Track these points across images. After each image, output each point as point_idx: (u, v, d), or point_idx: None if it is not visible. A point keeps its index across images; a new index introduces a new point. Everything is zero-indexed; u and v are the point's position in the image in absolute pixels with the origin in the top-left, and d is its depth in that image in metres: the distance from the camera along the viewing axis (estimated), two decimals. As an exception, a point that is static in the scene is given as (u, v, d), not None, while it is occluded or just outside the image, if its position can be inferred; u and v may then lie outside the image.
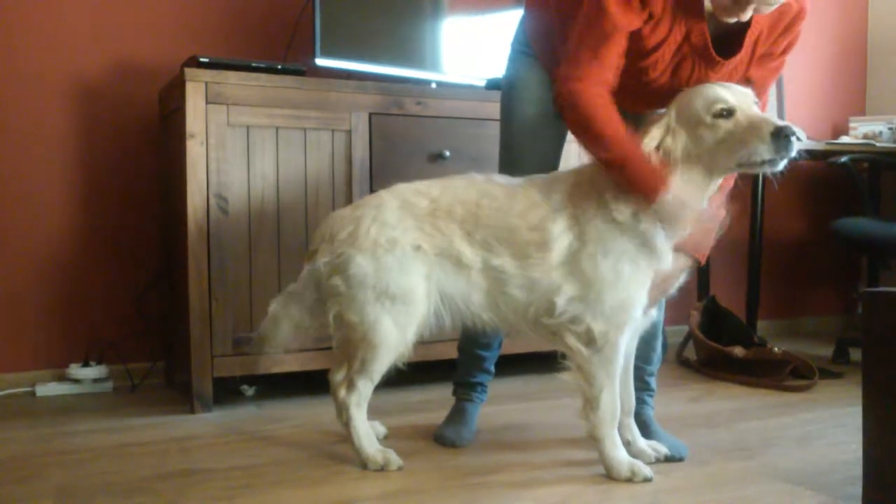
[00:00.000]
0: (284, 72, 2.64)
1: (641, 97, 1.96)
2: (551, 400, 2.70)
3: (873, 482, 1.56)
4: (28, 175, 2.85)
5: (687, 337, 3.41)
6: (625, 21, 1.79)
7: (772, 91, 4.03)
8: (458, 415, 2.28)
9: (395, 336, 1.96)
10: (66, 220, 2.90)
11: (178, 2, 3.01)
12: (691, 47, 1.87)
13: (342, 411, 2.01)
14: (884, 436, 1.54)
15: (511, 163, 2.17)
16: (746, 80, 1.96)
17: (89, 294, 2.93)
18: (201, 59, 2.54)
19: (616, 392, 1.93)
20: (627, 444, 2.02)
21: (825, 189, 4.26)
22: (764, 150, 1.75)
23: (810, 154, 3.82)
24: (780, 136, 1.73)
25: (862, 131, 3.92)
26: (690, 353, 3.34)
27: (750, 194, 3.51)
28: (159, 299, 2.97)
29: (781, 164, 1.78)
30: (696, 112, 1.81)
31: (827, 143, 3.75)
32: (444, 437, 2.20)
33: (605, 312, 1.86)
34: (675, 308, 3.83)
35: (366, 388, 2.00)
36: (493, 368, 2.36)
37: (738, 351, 3.06)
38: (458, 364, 2.37)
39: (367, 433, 2.02)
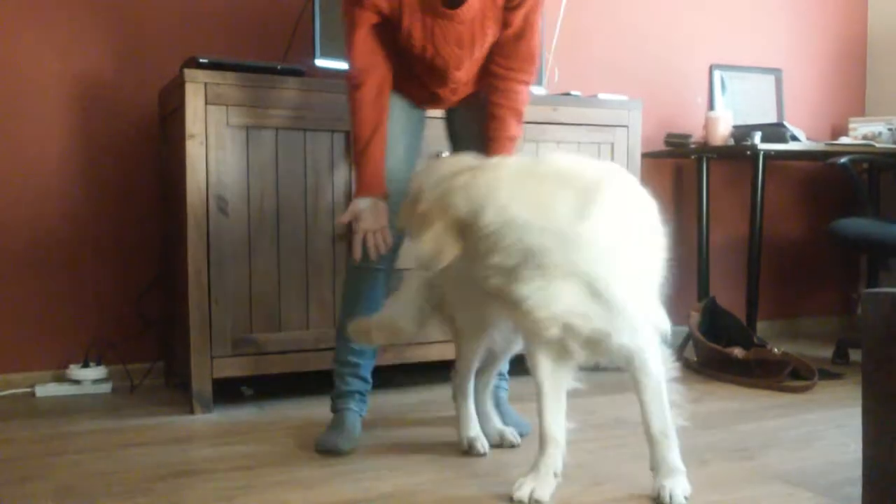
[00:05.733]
0: (284, 72, 2.64)
1: (439, 83, 2.20)
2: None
3: (873, 483, 1.56)
4: (27, 175, 2.85)
5: (686, 338, 3.41)
6: (362, 18, 2.06)
7: (769, 91, 4.07)
8: (337, 423, 2.21)
9: None
10: (65, 221, 2.90)
11: (178, 2, 3.01)
12: (427, 10, 2.04)
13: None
14: (883, 437, 1.53)
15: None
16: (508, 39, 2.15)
17: (89, 295, 2.93)
18: (201, 60, 2.54)
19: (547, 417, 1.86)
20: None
21: (825, 190, 4.26)
22: None
23: (810, 155, 3.83)
24: None
25: (861, 132, 3.92)
26: (690, 353, 3.34)
27: (749, 195, 3.50)
28: (159, 300, 2.97)
29: None
30: None
31: (826, 144, 3.74)
32: (323, 444, 2.14)
33: None
34: (675, 309, 3.83)
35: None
36: (369, 377, 2.28)
37: (738, 352, 3.06)
38: (334, 376, 2.29)
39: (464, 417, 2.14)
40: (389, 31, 2.11)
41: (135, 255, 2.98)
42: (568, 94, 3.19)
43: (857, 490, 1.61)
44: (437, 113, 2.86)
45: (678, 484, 1.79)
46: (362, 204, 2.11)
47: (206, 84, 2.50)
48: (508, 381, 2.43)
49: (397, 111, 2.22)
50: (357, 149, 2.13)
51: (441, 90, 2.24)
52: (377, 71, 2.13)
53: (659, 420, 1.80)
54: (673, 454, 1.81)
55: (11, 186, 2.82)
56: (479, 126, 2.25)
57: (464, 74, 2.21)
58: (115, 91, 2.94)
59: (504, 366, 2.33)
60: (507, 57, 2.19)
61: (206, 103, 2.50)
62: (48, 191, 2.88)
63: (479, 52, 2.17)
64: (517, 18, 2.13)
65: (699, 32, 3.96)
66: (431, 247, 1.68)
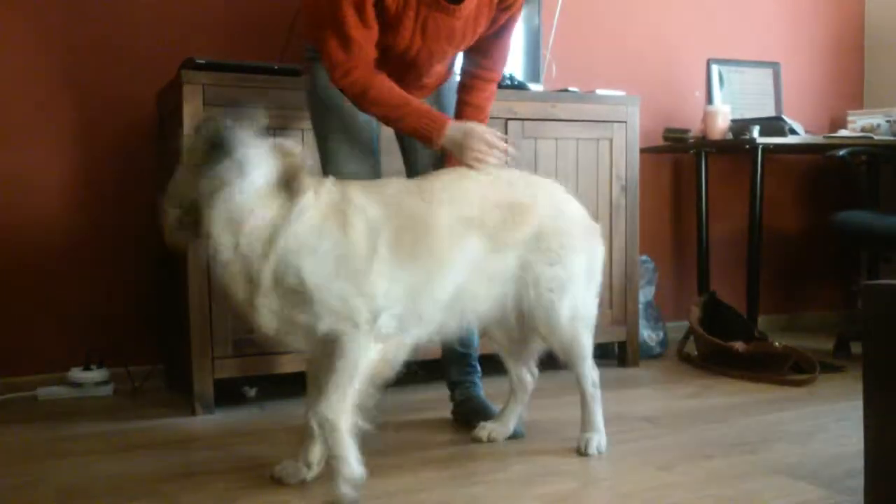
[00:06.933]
0: (281, 73, 2.64)
1: (413, 79, 2.17)
2: (551, 398, 2.70)
3: (874, 475, 1.56)
4: (26, 177, 2.84)
5: (687, 332, 3.41)
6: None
7: (767, 85, 4.06)
8: None
9: None
10: (64, 222, 2.90)
11: (176, 3, 3.01)
12: (427, 4, 2.00)
13: None
14: (885, 429, 1.53)
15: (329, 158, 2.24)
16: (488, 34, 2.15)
17: (89, 297, 2.92)
18: (198, 61, 2.54)
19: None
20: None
21: (824, 183, 4.26)
22: None
23: (809, 148, 3.83)
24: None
25: (860, 124, 3.91)
26: (691, 348, 3.34)
27: (748, 189, 3.50)
28: (159, 302, 2.97)
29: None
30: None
31: (825, 137, 3.74)
32: None
33: None
34: (676, 304, 3.84)
35: None
36: None
37: (739, 346, 3.06)
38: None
39: None
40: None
41: (134, 256, 2.98)
42: (566, 90, 3.18)
43: (859, 482, 1.61)
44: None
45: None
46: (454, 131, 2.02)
47: (203, 85, 2.50)
48: (479, 373, 2.45)
49: (348, 117, 2.18)
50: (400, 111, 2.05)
51: (409, 87, 2.17)
52: (368, 53, 2.02)
53: (334, 406, 1.74)
54: (340, 449, 1.74)
55: (10, 189, 2.82)
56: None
57: (442, 68, 2.20)
58: (113, 92, 2.94)
59: (473, 358, 2.40)
60: (483, 55, 2.20)
61: (204, 104, 2.50)
62: (48, 193, 2.87)
63: (463, 48, 2.16)
64: (502, 19, 2.14)
65: (696, 27, 3.96)
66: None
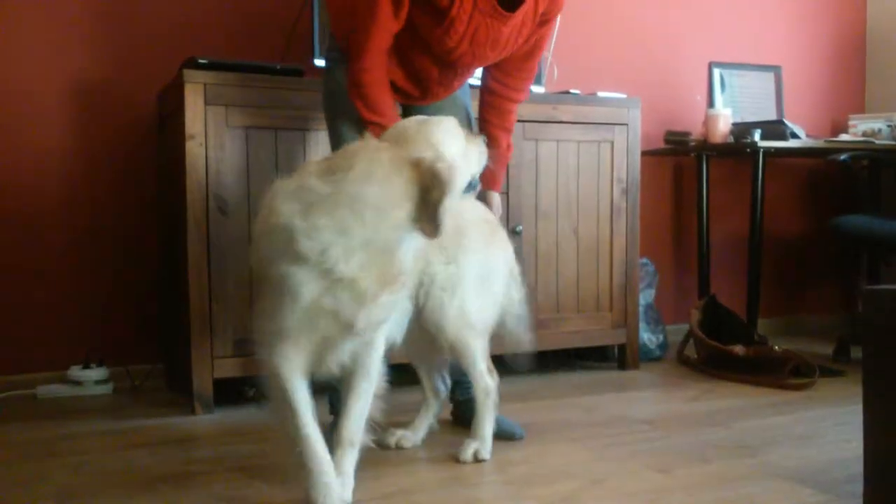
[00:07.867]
0: (283, 72, 2.64)
1: (449, 79, 2.20)
2: (551, 399, 2.71)
3: (874, 480, 1.56)
4: (27, 176, 2.84)
5: (687, 336, 3.41)
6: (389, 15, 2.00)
7: (769, 88, 4.07)
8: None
9: None
10: (65, 221, 2.90)
11: (177, 3, 3.01)
12: (480, 6, 2.02)
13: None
14: (884, 433, 1.54)
15: None
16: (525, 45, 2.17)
17: (90, 296, 2.92)
18: (200, 61, 2.54)
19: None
20: None
21: (825, 187, 4.26)
22: None
23: (810, 152, 3.83)
24: None
25: (861, 129, 3.92)
26: (691, 351, 3.33)
27: (749, 192, 3.51)
28: (159, 300, 2.97)
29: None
30: None
31: (826, 141, 3.74)
32: None
33: None
34: (676, 306, 3.84)
35: None
36: None
37: (739, 349, 3.06)
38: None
39: None
40: (410, 21, 2.05)
41: (135, 255, 2.98)
42: (567, 93, 3.19)
43: (858, 487, 1.61)
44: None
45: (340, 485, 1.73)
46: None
47: (205, 84, 2.50)
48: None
49: None
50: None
51: (437, 86, 2.22)
52: (382, 68, 2.08)
53: (354, 428, 1.78)
54: (349, 462, 1.77)
55: (11, 188, 2.82)
56: None
57: (472, 72, 2.23)
58: (114, 92, 2.94)
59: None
60: (507, 74, 2.23)
61: (206, 104, 2.50)
62: (48, 192, 2.87)
63: (503, 56, 2.18)
64: (536, 34, 2.16)
65: (698, 30, 3.96)
66: None
